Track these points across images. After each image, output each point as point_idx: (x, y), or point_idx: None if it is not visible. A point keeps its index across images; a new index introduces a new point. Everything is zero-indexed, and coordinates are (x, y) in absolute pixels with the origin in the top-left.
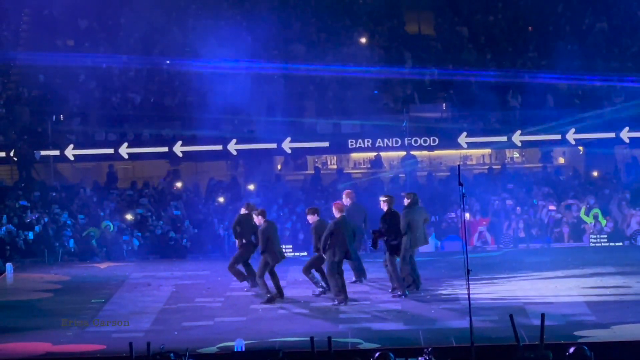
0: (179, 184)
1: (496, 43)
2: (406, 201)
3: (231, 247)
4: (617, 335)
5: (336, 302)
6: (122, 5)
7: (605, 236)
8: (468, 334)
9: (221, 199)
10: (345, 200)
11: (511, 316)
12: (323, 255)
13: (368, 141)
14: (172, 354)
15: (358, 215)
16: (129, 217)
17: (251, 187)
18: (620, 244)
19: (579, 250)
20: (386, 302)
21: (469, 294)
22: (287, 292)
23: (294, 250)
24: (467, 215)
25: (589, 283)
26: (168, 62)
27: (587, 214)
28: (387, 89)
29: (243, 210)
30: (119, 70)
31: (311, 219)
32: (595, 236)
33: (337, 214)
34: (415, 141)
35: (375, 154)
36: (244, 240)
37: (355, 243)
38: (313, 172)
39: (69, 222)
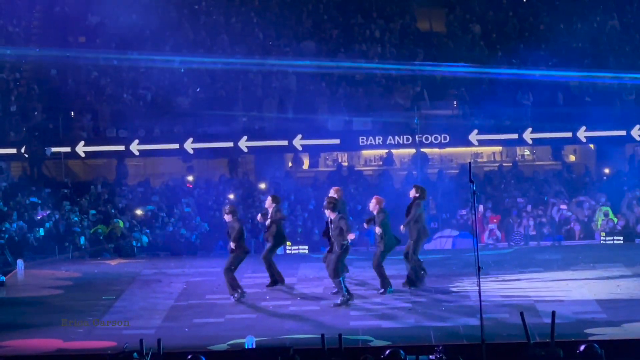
0: (190, 178)
1: (507, 40)
2: (415, 193)
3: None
4: (628, 333)
5: (382, 291)
6: (134, 1)
7: (617, 234)
8: (479, 332)
9: (231, 196)
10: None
11: (522, 314)
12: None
13: (379, 138)
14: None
15: (344, 211)
16: (138, 212)
17: (262, 185)
18: (632, 242)
19: (589, 248)
20: (397, 300)
21: (479, 292)
22: (298, 289)
23: (310, 249)
24: (481, 208)
25: (599, 281)
26: (179, 58)
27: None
28: (398, 86)
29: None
30: (130, 66)
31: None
32: (606, 234)
33: (375, 207)
34: (426, 138)
35: (387, 151)
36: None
37: None
38: (323, 169)
39: (76, 218)
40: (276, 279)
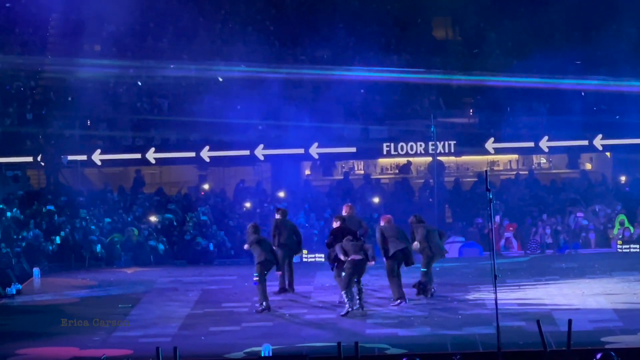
0: (206, 187)
1: (523, 48)
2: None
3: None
4: None
5: (397, 302)
6: (150, 10)
7: (633, 242)
8: (495, 340)
9: (248, 204)
10: (345, 212)
11: (538, 322)
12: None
13: (395, 146)
14: None
15: (355, 228)
16: (152, 218)
17: (281, 193)
18: None
19: (606, 256)
20: (413, 308)
21: (496, 300)
22: (314, 298)
23: (326, 257)
24: (498, 217)
25: (616, 289)
26: (195, 67)
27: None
28: (414, 95)
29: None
30: (146, 75)
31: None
32: (622, 242)
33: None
34: (443, 146)
35: (406, 160)
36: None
37: None
38: (340, 177)
39: (92, 227)
40: (286, 287)
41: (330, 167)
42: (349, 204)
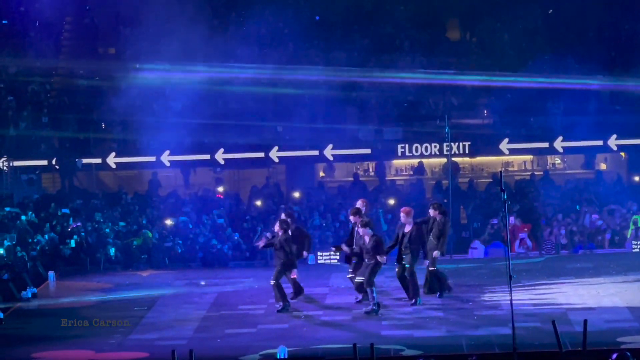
0: (221, 189)
1: (537, 49)
2: (434, 212)
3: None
4: None
5: (413, 301)
6: (164, 12)
7: None
8: (511, 341)
9: (258, 202)
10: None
11: (553, 322)
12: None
13: (410, 148)
14: None
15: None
16: (168, 222)
17: (296, 194)
18: None
19: (621, 257)
20: (428, 309)
21: (511, 301)
22: (330, 299)
23: (341, 259)
24: (512, 218)
25: (631, 289)
26: (209, 69)
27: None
28: (428, 96)
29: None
30: (160, 77)
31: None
32: (637, 242)
33: (408, 219)
34: (457, 147)
35: (418, 160)
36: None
37: None
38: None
39: (107, 230)
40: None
41: (346, 169)
42: (364, 199)
